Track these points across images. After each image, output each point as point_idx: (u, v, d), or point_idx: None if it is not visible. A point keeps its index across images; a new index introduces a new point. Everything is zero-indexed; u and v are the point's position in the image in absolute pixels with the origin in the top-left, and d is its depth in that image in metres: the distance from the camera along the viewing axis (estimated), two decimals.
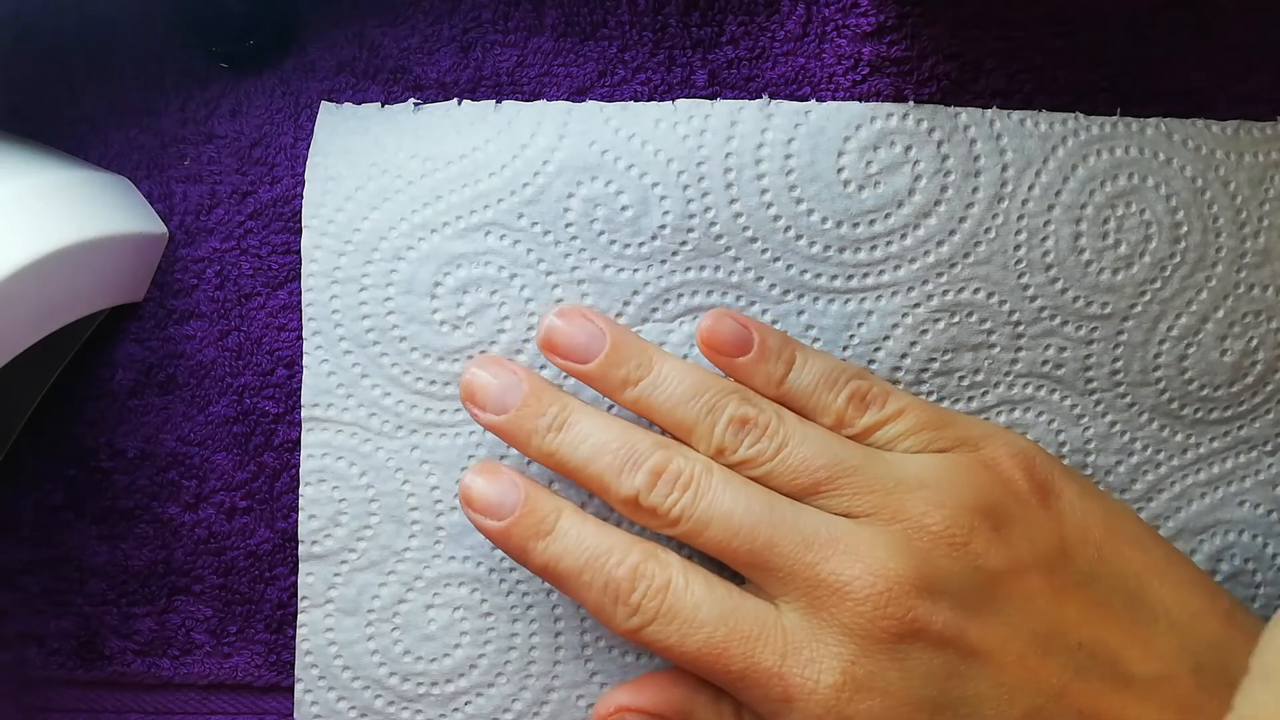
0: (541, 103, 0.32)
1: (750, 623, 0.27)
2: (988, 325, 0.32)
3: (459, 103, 0.32)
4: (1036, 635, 0.27)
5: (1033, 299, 0.32)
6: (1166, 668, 0.28)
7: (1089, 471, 0.33)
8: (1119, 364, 0.32)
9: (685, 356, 0.32)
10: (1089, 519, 0.29)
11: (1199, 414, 0.33)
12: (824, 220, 0.32)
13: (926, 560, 0.27)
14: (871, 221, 0.32)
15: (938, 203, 0.32)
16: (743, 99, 0.32)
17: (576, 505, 0.30)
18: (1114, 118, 0.32)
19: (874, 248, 0.32)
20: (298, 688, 0.33)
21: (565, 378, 0.32)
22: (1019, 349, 0.32)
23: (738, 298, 0.32)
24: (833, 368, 0.30)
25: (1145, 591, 0.29)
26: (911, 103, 0.32)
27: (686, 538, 0.28)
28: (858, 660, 0.27)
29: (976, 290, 0.32)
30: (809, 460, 0.29)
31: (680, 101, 0.32)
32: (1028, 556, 0.28)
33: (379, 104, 0.33)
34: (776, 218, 0.32)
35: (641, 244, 0.32)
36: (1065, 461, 0.33)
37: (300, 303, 0.33)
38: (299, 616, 0.33)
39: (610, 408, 0.32)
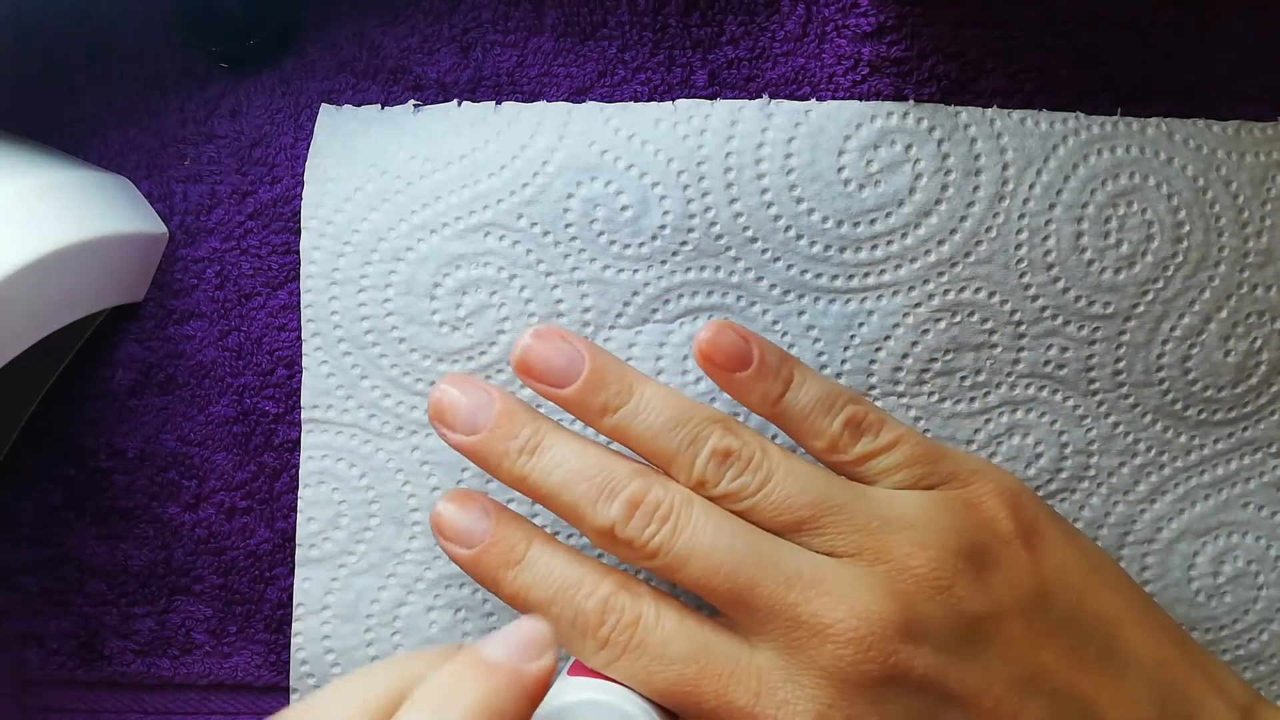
0: (541, 103, 0.32)
1: (723, 661, 0.27)
2: (989, 325, 0.32)
3: (459, 104, 0.32)
4: (1014, 680, 0.27)
5: (1034, 298, 0.32)
6: (1134, 714, 0.28)
7: (1092, 473, 0.33)
8: (1122, 364, 0.32)
9: (685, 357, 0.32)
10: (1069, 561, 0.29)
11: (1203, 415, 0.33)
12: (824, 220, 0.32)
13: (910, 604, 0.27)
14: (872, 221, 0.32)
15: (938, 202, 0.32)
16: (743, 99, 0.32)
17: (549, 534, 0.29)
18: (1115, 117, 0.32)
19: (875, 247, 0.32)
20: (293, 697, 0.33)
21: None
22: (1021, 349, 0.32)
23: (738, 298, 0.32)
24: (829, 390, 0.30)
25: (1118, 637, 0.29)
26: (912, 101, 0.32)
27: (664, 572, 0.28)
28: (835, 704, 0.26)
29: (978, 290, 0.32)
30: (793, 497, 0.28)
31: (680, 101, 0.32)
32: (1008, 600, 0.28)
33: (379, 105, 0.33)
34: (777, 217, 0.32)
35: (641, 244, 0.32)
36: (1067, 463, 0.33)
37: (300, 303, 0.33)
38: (294, 624, 0.33)
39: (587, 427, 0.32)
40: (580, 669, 0.28)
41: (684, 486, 0.28)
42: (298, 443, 0.33)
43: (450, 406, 0.30)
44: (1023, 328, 0.32)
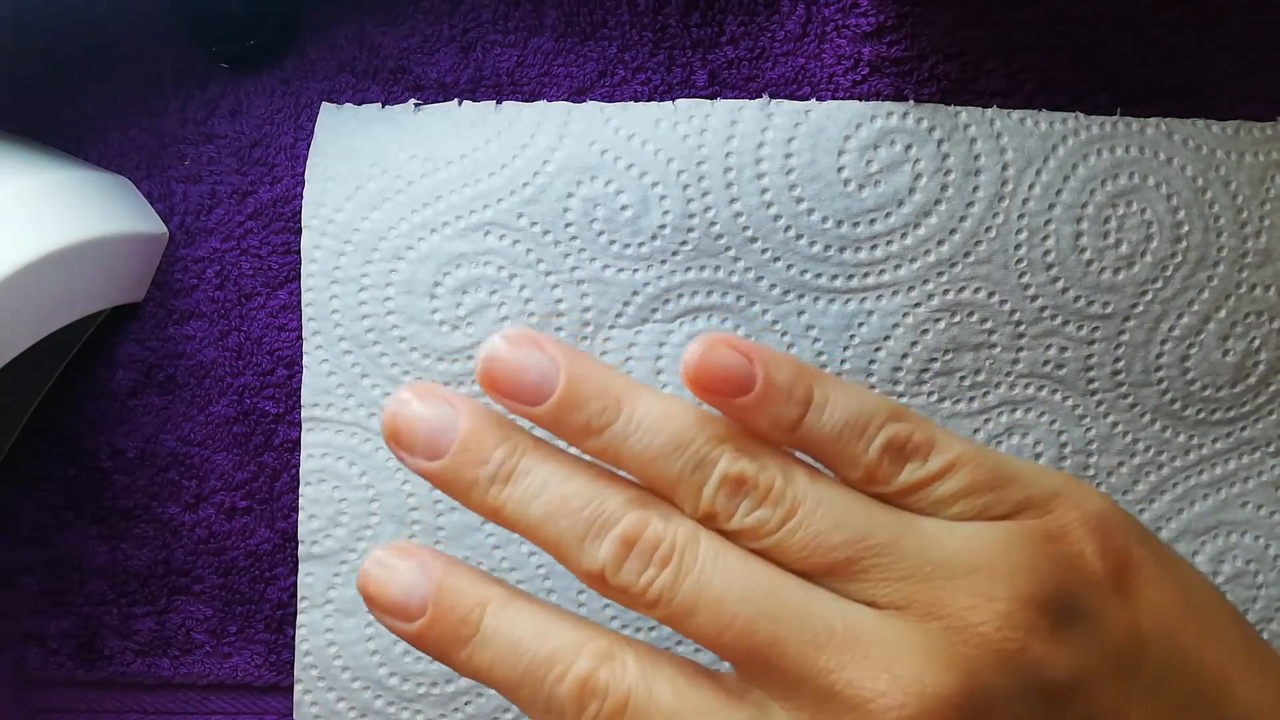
0: (542, 103, 0.32)
1: None
2: (989, 325, 0.32)
3: (459, 103, 0.32)
4: None
5: (1034, 298, 0.32)
6: None
7: (1090, 473, 0.33)
8: (1121, 364, 0.32)
9: None
10: (1167, 602, 0.24)
11: (1201, 415, 0.33)
12: (824, 220, 0.32)
13: (970, 673, 0.21)
14: (872, 221, 0.32)
15: (938, 202, 0.32)
16: (743, 99, 0.32)
17: (509, 587, 0.24)
18: (1114, 117, 0.32)
19: (874, 247, 0.32)
20: (297, 688, 0.33)
21: None
22: (1020, 349, 0.32)
23: (738, 298, 0.32)
24: (862, 408, 0.24)
25: (1220, 690, 0.24)
26: (912, 101, 0.32)
27: (668, 622, 0.23)
28: None
29: (977, 290, 0.32)
30: (824, 535, 0.23)
31: (680, 101, 0.32)
32: (1095, 661, 0.22)
33: (379, 105, 0.33)
34: (777, 217, 0.32)
35: (641, 244, 0.32)
36: (1066, 463, 0.33)
37: (300, 303, 0.33)
38: (298, 617, 0.33)
39: None
40: None
41: (690, 518, 0.24)
42: (298, 443, 0.33)
43: (407, 425, 0.24)
44: (1022, 328, 0.32)
